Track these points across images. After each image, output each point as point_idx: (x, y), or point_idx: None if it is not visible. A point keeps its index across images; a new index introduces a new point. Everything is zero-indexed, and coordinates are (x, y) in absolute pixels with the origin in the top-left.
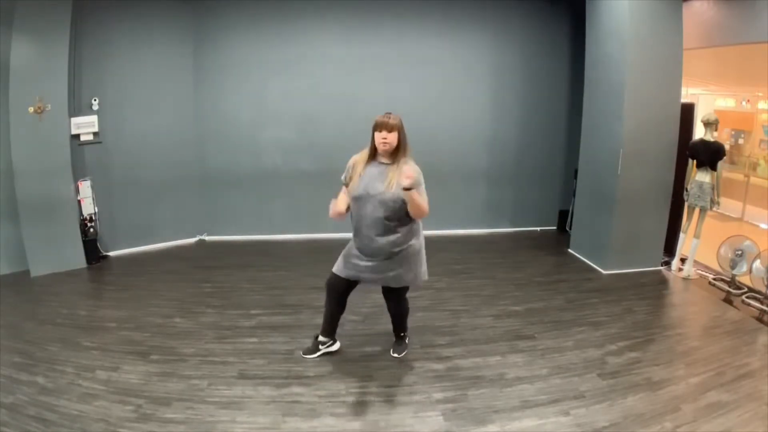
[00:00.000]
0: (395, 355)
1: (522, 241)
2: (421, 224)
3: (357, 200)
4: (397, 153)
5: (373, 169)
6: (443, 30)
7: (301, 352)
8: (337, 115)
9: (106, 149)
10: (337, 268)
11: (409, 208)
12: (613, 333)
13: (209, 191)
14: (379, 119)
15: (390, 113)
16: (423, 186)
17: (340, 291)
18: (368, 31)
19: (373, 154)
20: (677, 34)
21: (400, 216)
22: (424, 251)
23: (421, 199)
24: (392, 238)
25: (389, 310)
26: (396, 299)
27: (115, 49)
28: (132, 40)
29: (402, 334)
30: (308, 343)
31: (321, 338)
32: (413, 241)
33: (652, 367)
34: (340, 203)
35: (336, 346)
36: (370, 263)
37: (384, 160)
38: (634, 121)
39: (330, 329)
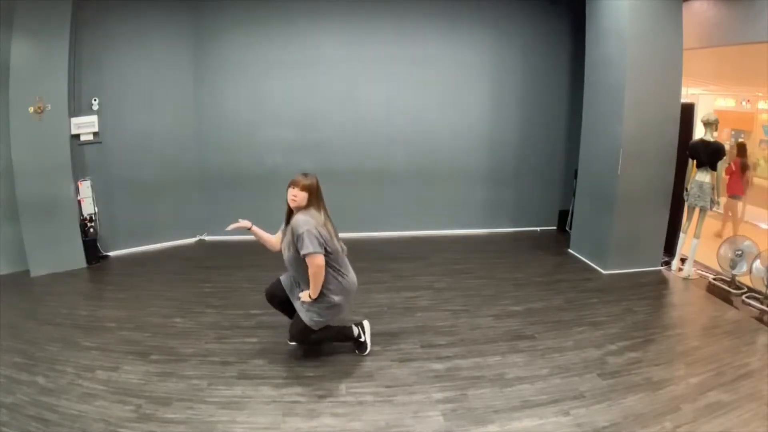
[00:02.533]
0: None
1: (522, 241)
2: (342, 282)
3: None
4: (307, 209)
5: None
6: (443, 30)
7: (362, 354)
8: (337, 114)
9: (106, 149)
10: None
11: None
12: (613, 333)
13: (209, 191)
14: (294, 178)
15: (307, 174)
16: (306, 240)
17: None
18: (368, 32)
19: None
20: (677, 34)
21: (302, 270)
22: (335, 307)
23: (313, 285)
24: (303, 289)
25: None
26: (300, 333)
27: (115, 49)
28: (132, 40)
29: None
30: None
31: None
32: (317, 302)
33: (652, 367)
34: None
35: (359, 330)
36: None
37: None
38: (634, 121)
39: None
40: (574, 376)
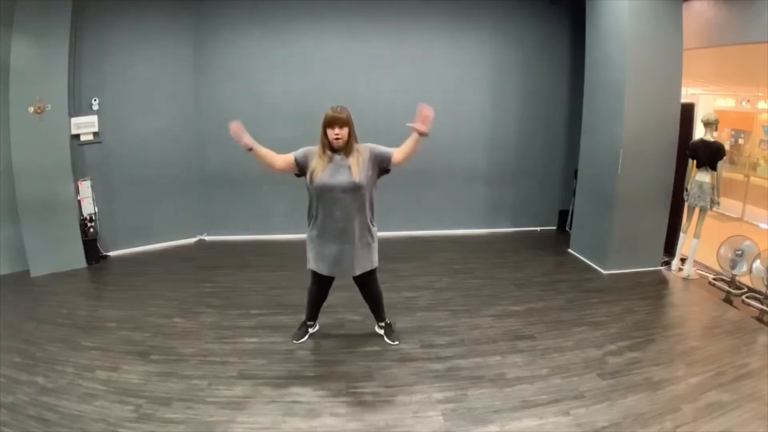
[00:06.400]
0: (395, 342)
1: (522, 241)
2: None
3: (323, 189)
4: (348, 143)
5: (335, 161)
6: (443, 30)
7: (293, 339)
8: None
9: (106, 149)
10: (316, 266)
11: (407, 151)
12: (613, 333)
13: (209, 191)
14: (331, 115)
15: (339, 107)
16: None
17: (324, 285)
18: (369, 31)
19: (328, 147)
20: (677, 34)
21: (363, 203)
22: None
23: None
24: (360, 224)
25: (366, 298)
26: (371, 283)
27: (115, 49)
28: (132, 40)
29: (387, 321)
30: (309, 342)
31: (309, 323)
32: (374, 227)
33: (652, 367)
34: (271, 155)
35: (316, 327)
36: (341, 254)
37: (338, 152)
38: (634, 121)
39: (313, 315)
40: (574, 376)
